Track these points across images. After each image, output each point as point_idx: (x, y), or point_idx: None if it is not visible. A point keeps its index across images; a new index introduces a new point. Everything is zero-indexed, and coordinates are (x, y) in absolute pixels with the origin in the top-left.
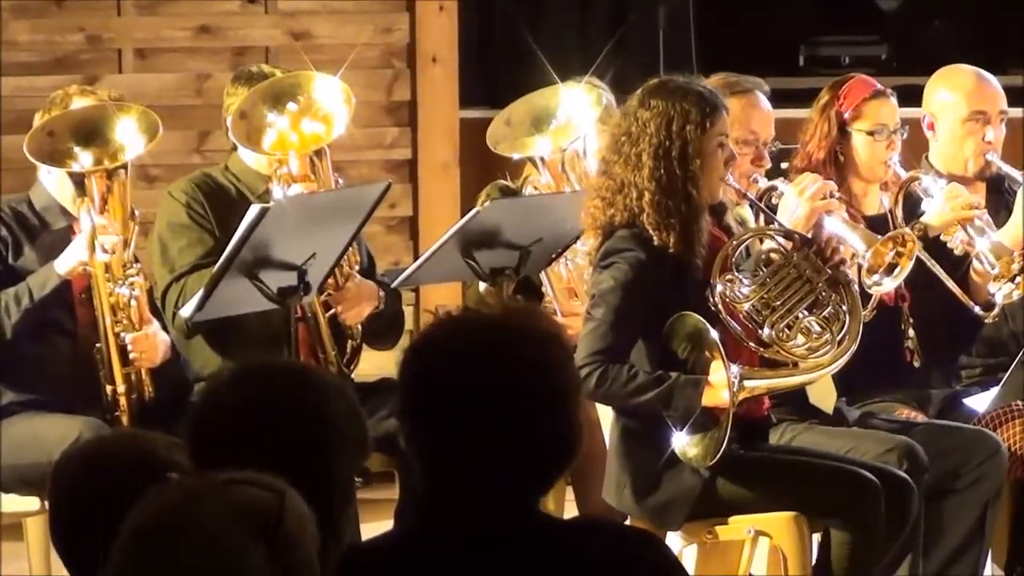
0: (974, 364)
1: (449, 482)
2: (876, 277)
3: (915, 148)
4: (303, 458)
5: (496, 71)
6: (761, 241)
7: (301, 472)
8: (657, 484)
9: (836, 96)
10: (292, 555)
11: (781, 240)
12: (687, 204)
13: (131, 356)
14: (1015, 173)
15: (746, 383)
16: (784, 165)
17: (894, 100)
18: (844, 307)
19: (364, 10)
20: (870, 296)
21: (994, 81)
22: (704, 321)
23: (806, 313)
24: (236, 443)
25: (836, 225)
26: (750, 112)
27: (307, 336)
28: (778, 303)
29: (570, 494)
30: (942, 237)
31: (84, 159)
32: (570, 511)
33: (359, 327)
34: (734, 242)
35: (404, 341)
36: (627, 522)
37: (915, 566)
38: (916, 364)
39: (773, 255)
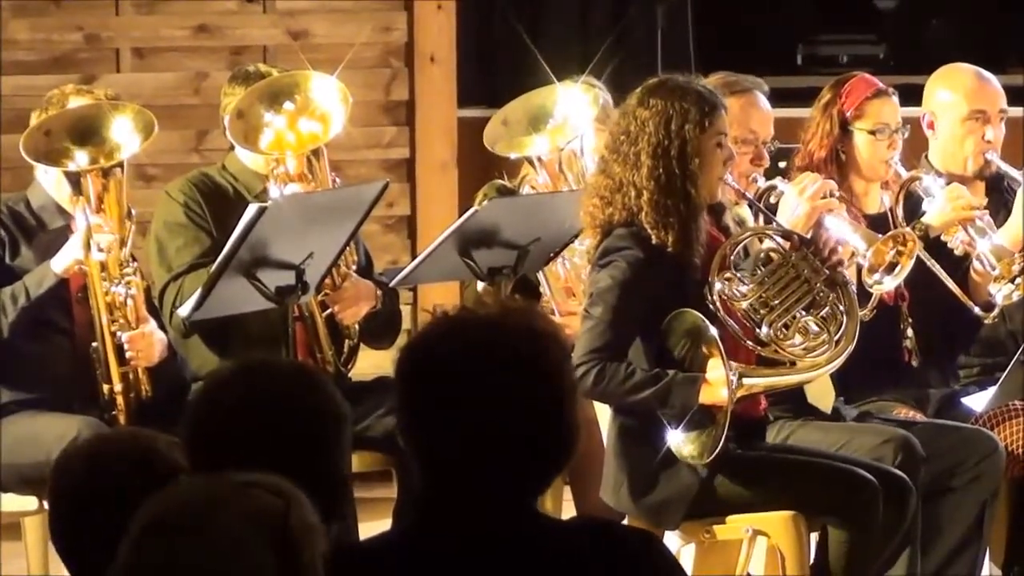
0: (972, 363)
1: (446, 481)
2: (877, 276)
3: (914, 147)
4: (301, 457)
5: (494, 70)
6: (760, 241)
7: (299, 470)
8: (654, 483)
9: (838, 95)
10: (298, 559)
11: (779, 240)
12: (686, 203)
13: (128, 355)
14: (1014, 172)
15: (745, 381)
16: (782, 164)
17: (896, 99)
18: (841, 307)
19: (362, 9)
20: (870, 295)
21: (994, 80)
22: (703, 318)
23: (804, 313)
24: (233, 441)
25: (836, 224)
26: (749, 112)
27: (304, 335)
28: (776, 302)
29: (568, 493)
30: (942, 237)
31: (80, 158)
32: (568, 511)
33: (356, 326)
34: (732, 241)
35: (402, 340)
36: (625, 521)
37: (913, 565)
38: (914, 363)
39: (772, 254)
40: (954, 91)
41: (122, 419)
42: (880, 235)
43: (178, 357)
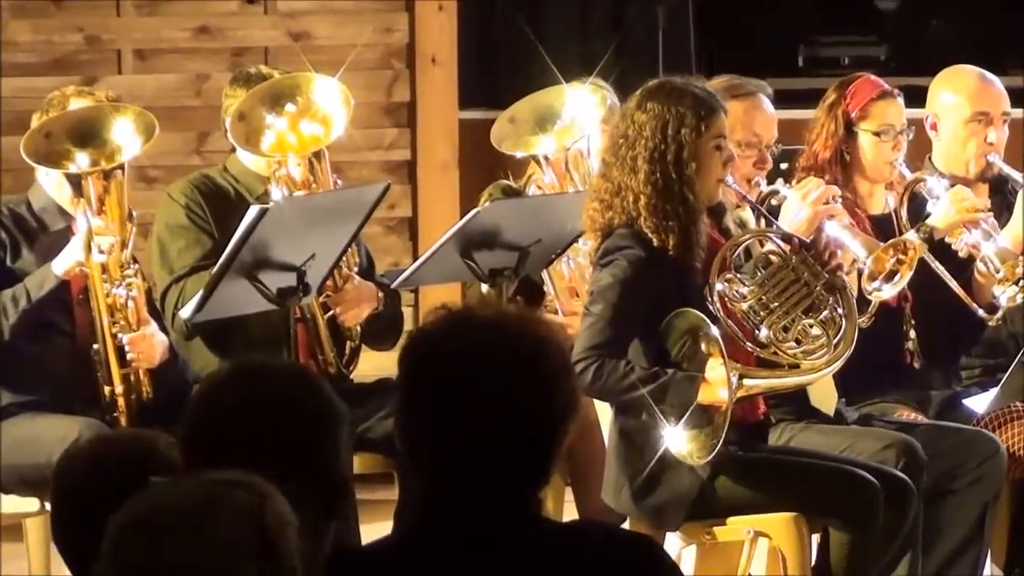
0: (973, 365)
1: (447, 482)
2: (876, 283)
3: (918, 149)
4: (298, 458)
5: (496, 72)
6: (761, 244)
7: (296, 472)
8: (656, 485)
9: (843, 96)
10: (275, 553)
11: (780, 243)
12: (684, 207)
13: (129, 357)
14: (1016, 175)
15: (745, 381)
16: (784, 166)
17: (901, 101)
18: (840, 311)
19: (363, 10)
20: (869, 302)
21: (997, 82)
22: (704, 317)
23: (803, 316)
24: (230, 443)
25: (837, 231)
26: (753, 115)
27: (306, 337)
28: (775, 304)
29: (569, 495)
30: (947, 239)
31: (81, 160)
32: (569, 512)
33: (358, 328)
34: (733, 243)
35: (403, 342)
36: (626, 522)
37: (914, 567)
38: (916, 365)
39: (772, 257)
40: (957, 93)
41: (123, 421)
42: (881, 242)
43: (179, 359)
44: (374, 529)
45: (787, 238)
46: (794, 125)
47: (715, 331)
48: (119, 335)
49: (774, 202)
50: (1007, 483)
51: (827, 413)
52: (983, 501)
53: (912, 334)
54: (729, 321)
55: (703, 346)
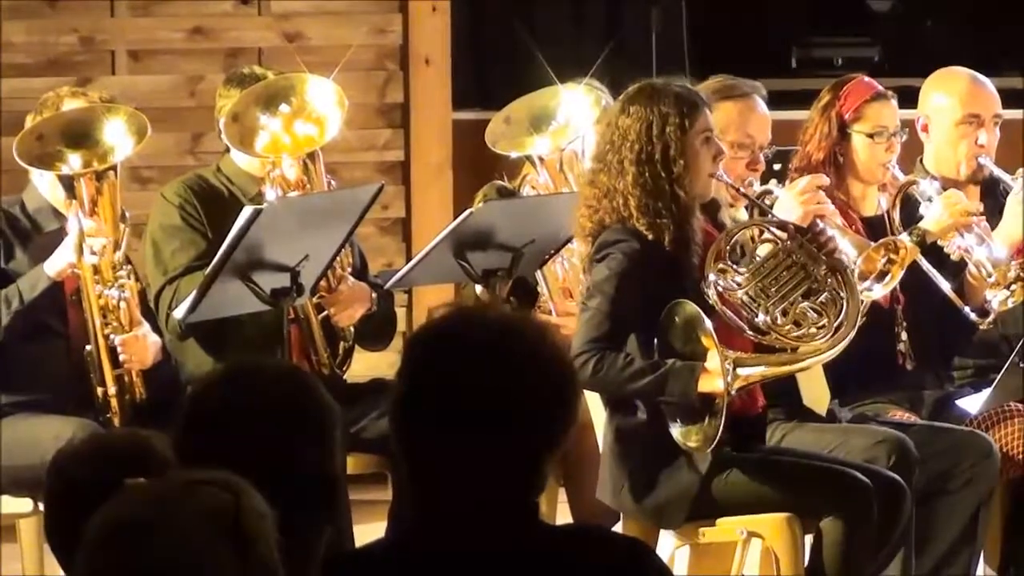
0: (966, 365)
1: (444, 485)
2: (867, 283)
3: (909, 150)
4: (290, 458)
5: (489, 73)
6: (758, 236)
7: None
8: (655, 483)
9: (837, 97)
10: (253, 550)
11: (775, 231)
12: (676, 204)
13: (121, 358)
14: (1007, 177)
15: (740, 371)
16: (777, 167)
17: (895, 102)
18: (842, 293)
19: (357, 11)
20: (861, 302)
21: (989, 84)
22: (698, 309)
23: (802, 299)
24: (222, 443)
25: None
26: (747, 116)
27: (300, 338)
28: (773, 290)
29: (562, 495)
30: (939, 242)
31: (73, 161)
32: (562, 512)
33: (352, 329)
34: (727, 234)
35: (397, 343)
36: (623, 521)
37: (907, 567)
38: (908, 366)
39: (767, 244)
40: (949, 95)
41: (116, 421)
42: (871, 242)
43: (172, 359)
44: (368, 530)
45: (782, 226)
46: (788, 126)
47: (708, 323)
48: (111, 336)
49: (767, 203)
50: (1000, 484)
51: (820, 413)
52: (976, 502)
53: (904, 335)
54: (727, 311)
55: (701, 337)
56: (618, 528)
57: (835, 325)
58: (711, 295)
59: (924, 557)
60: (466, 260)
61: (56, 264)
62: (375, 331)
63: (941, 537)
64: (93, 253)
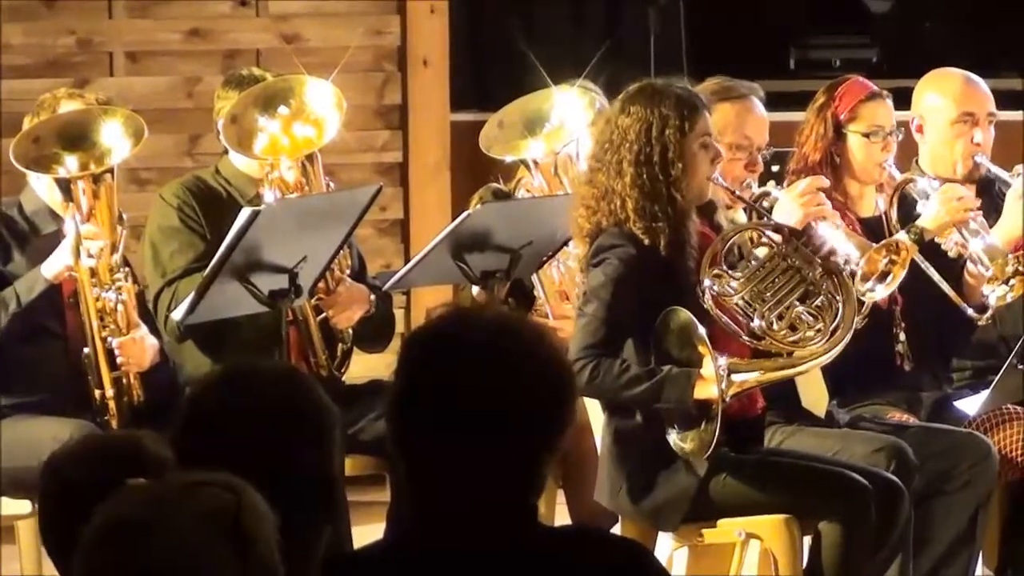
0: (964, 366)
1: (442, 487)
2: (869, 284)
3: (906, 151)
4: (292, 460)
5: (487, 74)
6: (755, 239)
7: (290, 474)
8: (653, 485)
9: (832, 98)
10: (253, 551)
11: (771, 235)
12: (672, 207)
13: (119, 360)
14: (1004, 175)
15: (734, 377)
16: (775, 168)
17: (890, 102)
18: (838, 297)
19: (355, 13)
20: (862, 303)
21: (982, 83)
22: (691, 316)
23: (798, 304)
24: (224, 445)
25: (830, 231)
26: (745, 118)
27: (298, 339)
28: (768, 294)
29: (560, 497)
30: (936, 239)
31: (70, 164)
32: (560, 514)
33: (350, 330)
34: (723, 237)
35: (395, 344)
36: (621, 523)
37: (905, 569)
38: (906, 367)
39: (763, 248)
40: (942, 95)
41: (114, 424)
42: (874, 243)
43: (170, 361)
44: (366, 531)
45: (778, 229)
46: (786, 127)
47: (702, 330)
48: (109, 339)
49: (765, 204)
50: (999, 487)
51: (818, 415)
52: (975, 503)
53: (902, 336)
54: (723, 316)
55: (696, 344)
56: (616, 530)
57: (831, 329)
58: (706, 300)
59: (922, 558)
60: (464, 262)
61: (53, 266)
62: (373, 333)
63: (939, 538)
64: (90, 256)
